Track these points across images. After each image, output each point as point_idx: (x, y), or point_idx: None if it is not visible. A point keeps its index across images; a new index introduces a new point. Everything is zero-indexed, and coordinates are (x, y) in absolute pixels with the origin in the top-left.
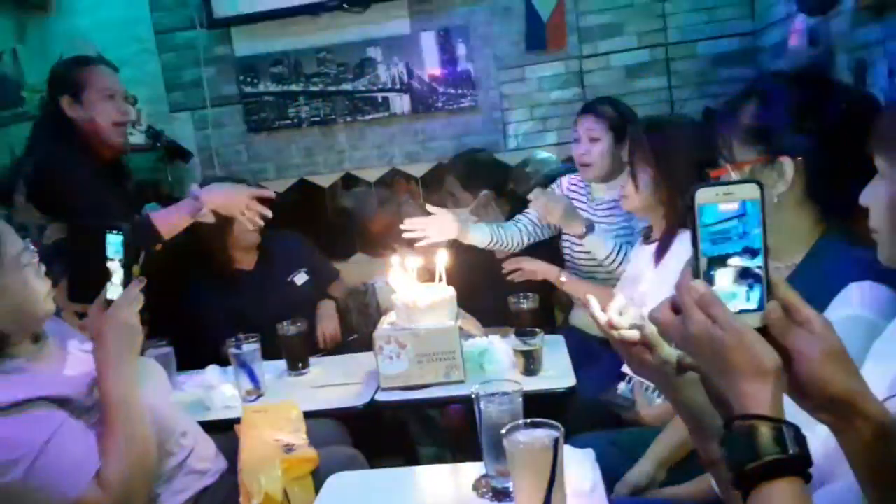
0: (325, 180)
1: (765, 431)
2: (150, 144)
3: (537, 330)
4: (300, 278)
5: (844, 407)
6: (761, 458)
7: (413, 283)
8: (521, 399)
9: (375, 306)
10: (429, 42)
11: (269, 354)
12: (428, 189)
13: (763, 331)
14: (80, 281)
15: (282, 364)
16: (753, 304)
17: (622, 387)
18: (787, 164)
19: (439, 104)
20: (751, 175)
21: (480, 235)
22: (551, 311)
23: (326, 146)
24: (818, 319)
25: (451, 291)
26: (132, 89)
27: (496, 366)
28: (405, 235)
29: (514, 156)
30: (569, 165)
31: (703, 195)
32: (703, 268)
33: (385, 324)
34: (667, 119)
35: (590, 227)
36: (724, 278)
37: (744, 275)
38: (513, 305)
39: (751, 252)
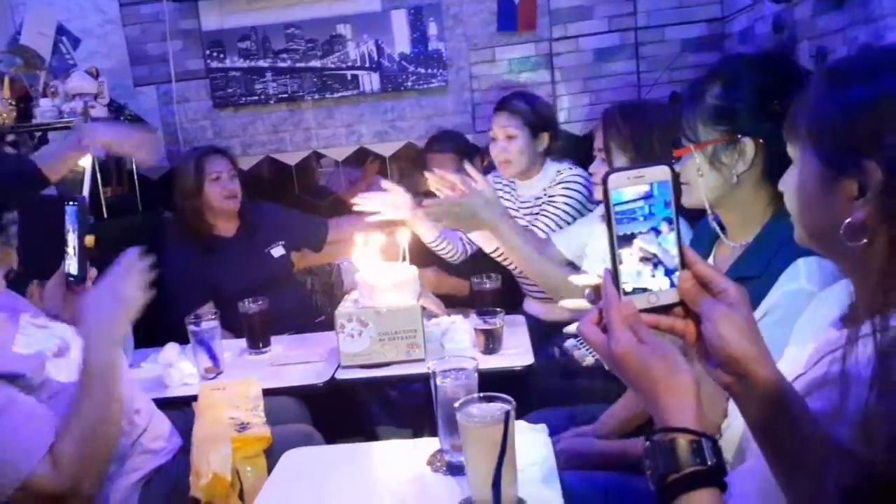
0: (291, 158)
1: (684, 444)
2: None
3: (498, 310)
4: (277, 251)
5: (740, 368)
6: (682, 469)
7: (376, 262)
8: (475, 375)
9: (341, 286)
10: (400, 20)
11: (240, 331)
12: (397, 168)
13: (678, 305)
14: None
15: (242, 342)
16: (664, 283)
17: (570, 342)
18: (749, 145)
19: (409, 83)
20: (713, 154)
21: (427, 229)
22: (516, 290)
23: (294, 123)
24: (734, 289)
25: (413, 271)
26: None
27: (457, 344)
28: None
29: (483, 138)
30: None
31: (615, 180)
32: (615, 248)
33: (348, 302)
34: (641, 103)
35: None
36: (631, 257)
37: (651, 253)
38: (475, 284)
39: (657, 231)
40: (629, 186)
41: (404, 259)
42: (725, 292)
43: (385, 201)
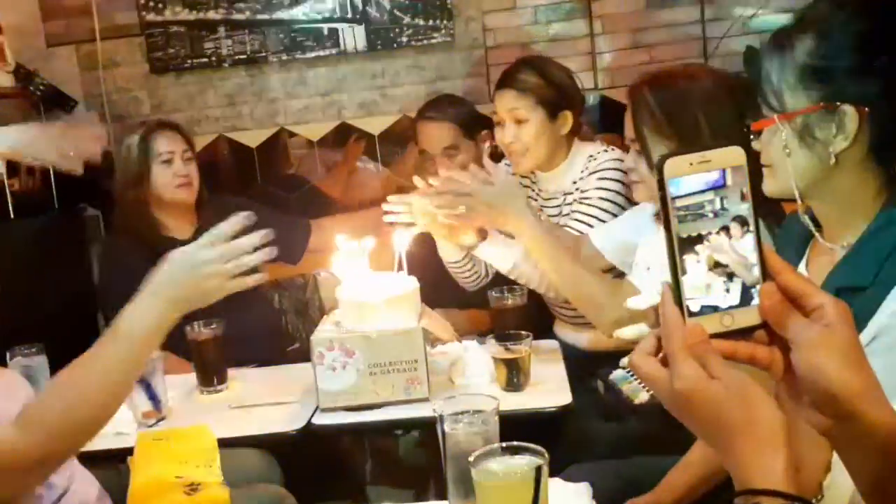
0: (252, 138)
1: None
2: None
3: (524, 333)
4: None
5: (843, 407)
6: None
7: (364, 273)
8: (496, 419)
9: (318, 304)
10: None
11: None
12: (389, 150)
13: (760, 327)
14: None
15: (192, 378)
16: (737, 298)
17: (617, 374)
18: (850, 115)
19: (404, 39)
20: (803, 127)
21: (469, 240)
22: (545, 308)
23: (255, 93)
24: (832, 305)
25: (413, 283)
26: None
27: (470, 379)
28: (386, 218)
29: None
30: None
31: (674, 167)
32: (676, 256)
33: (327, 325)
34: (672, 72)
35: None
36: (698, 267)
37: (723, 261)
38: (495, 301)
39: (729, 232)
40: (692, 174)
41: (401, 268)
42: (821, 310)
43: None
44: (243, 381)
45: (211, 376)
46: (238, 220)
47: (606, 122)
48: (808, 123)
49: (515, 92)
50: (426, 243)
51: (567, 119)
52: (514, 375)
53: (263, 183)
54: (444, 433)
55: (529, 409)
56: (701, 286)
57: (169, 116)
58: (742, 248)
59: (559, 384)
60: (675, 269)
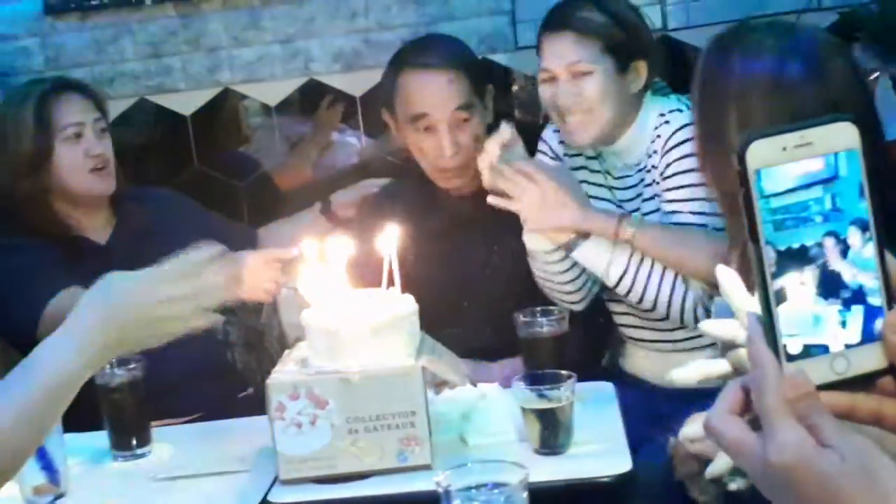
0: (186, 102)
1: None
2: None
3: (564, 373)
4: None
5: None
6: None
7: (341, 291)
8: (525, 496)
9: (278, 334)
10: None
11: None
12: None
13: (887, 373)
14: None
15: (102, 439)
16: (856, 334)
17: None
18: None
19: None
20: None
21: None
22: (595, 340)
23: (188, 40)
24: None
25: (409, 305)
26: None
27: (491, 438)
28: (490, 200)
29: (532, 58)
30: None
31: (760, 151)
32: (768, 278)
33: (290, 364)
34: (767, 25)
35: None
36: (801, 291)
37: (836, 282)
38: (523, 328)
39: (842, 242)
40: (788, 163)
41: (392, 283)
42: None
43: (533, 195)
44: (173, 442)
45: (128, 436)
46: (216, 250)
47: (677, 76)
48: None
49: (574, 35)
50: (428, 248)
51: (640, 71)
52: (552, 433)
53: (201, 165)
54: None
55: (573, 479)
56: (806, 318)
57: (70, 73)
58: (861, 262)
59: (615, 443)
60: (767, 297)
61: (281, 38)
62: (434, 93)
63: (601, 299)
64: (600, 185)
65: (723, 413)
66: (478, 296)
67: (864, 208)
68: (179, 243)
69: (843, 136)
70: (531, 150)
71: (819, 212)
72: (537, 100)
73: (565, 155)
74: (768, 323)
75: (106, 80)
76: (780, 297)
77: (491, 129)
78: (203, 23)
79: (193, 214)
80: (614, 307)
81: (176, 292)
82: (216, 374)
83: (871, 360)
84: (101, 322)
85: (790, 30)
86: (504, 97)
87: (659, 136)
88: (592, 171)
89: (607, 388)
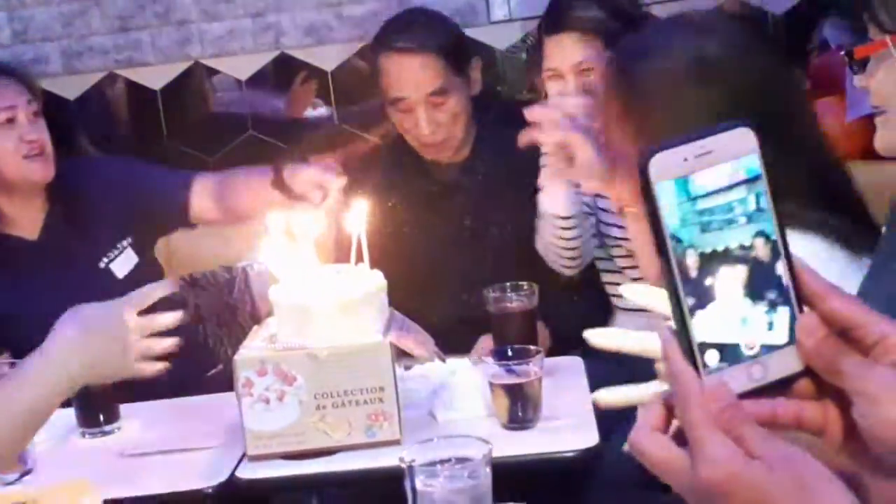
0: (155, 76)
1: None
2: None
3: (532, 348)
4: (124, 262)
5: None
6: None
7: (309, 266)
8: (488, 470)
9: (249, 308)
10: None
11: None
12: (347, 94)
13: (802, 375)
14: None
15: (69, 417)
16: (774, 337)
17: None
18: None
19: None
20: None
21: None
22: (571, 310)
23: (157, 13)
24: None
25: (378, 280)
26: None
27: (460, 413)
28: (545, 162)
29: (504, 33)
30: None
31: (661, 164)
32: (679, 288)
33: (258, 339)
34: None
35: None
36: (729, 292)
37: (761, 283)
38: (493, 304)
39: (746, 249)
40: (693, 173)
41: (361, 258)
42: (886, 343)
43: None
44: (141, 419)
45: (95, 413)
46: (165, 285)
47: None
48: None
49: (575, 34)
50: (397, 222)
51: None
52: (520, 408)
53: (171, 139)
54: (414, 492)
55: (539, 453)
56: (718, 327)
57: (32, 50)
58: (769, 267)
59: (583, 419)
60: (682, 311)
61: (251, 11)
62: (409, 78)
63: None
64: None
65: (646, 430)
66: (448, 271)
67: (768, 212)
68: (115, 217)
69: (743, 141)
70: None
71: (723, 220)
72: (516, 75)
73: None
74: (684, 336)
75: (74, 54)
76: (709, 298)
77: (480, 101)
78: None
79: (131, 177)
80: (607, 277)
81: (132, 322)
82: (185, 350)
83: (787, 364)
84: (74, 351)
85: (698, 19)
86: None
87: None
88: None
89: (577, 363)
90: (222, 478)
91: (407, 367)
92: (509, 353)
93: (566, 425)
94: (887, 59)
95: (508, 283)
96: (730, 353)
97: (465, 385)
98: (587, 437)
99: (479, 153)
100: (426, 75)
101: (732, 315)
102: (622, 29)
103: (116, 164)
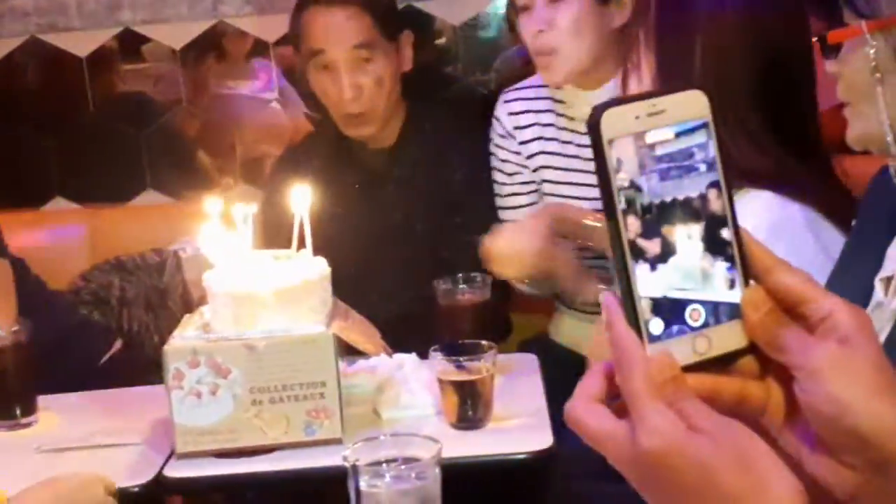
0: (82, 43)
1: None
2: None
3: (484, 343)
4: None
5: (874, 452)
6: None
7: (245, 251)
8: (437, 472)
9: (180, 294)
10: None
11: None
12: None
13: (746, 352)
14: None
15: None
16: (728, 311)
17: None
18: None
19: None
20: None
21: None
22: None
23: None
24: (848, 313)
25: (320, 267)
26: None
27: (406, 411)
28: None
29: (455, 7)
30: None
31: (612, 120)
32: (627, 254)
33: (190, 328)
34: None
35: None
36: (657, 267)
37: (690, 257)
38: (444, 296)
39: (695, 213)
40: (644, 133)
41: (303, 244)
42: (831, 320)
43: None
44: (61, 411)
45: (10, 404)
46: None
47: None
48: None
49: None
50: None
51: (624, 3)
52: (470, 406)
53: (98, 112)
54: (358, 493)
55: (490, 455)
56: (662, 296)
57: None
58: (714, 237)
59: (537, 419)
60: (627, 277)
61: None
62: (332, 28)
63: None
64: (563, 146)
65: (584, 400)
66: (395, 260)
67: (716, 176)
68: None
69: (695, 104)
70: (484, 121)
71: (671, 182)
72: (466, 54)
73: (516, 128)
74: (629, 303)
75: None
76: (655, 262)
77: (412, 78)
78: None
79: None
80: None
81: None
82: (102, 337)
83: (731, 339)
84: None
85: None
86: (428, 48)
87: None
88: (555, 128)
89: (530, 359)
90: (149, 476)
91: (350, 361)
92: (460, 348)
93: (519, 426)
94: (862, 46)
95: (460, 274)
96: (675, 324)
97: (413, 381)
98: (541, 438)
99: (408, 140)
100: (350, 27)
101: (679, 281)
102: None
103: None
